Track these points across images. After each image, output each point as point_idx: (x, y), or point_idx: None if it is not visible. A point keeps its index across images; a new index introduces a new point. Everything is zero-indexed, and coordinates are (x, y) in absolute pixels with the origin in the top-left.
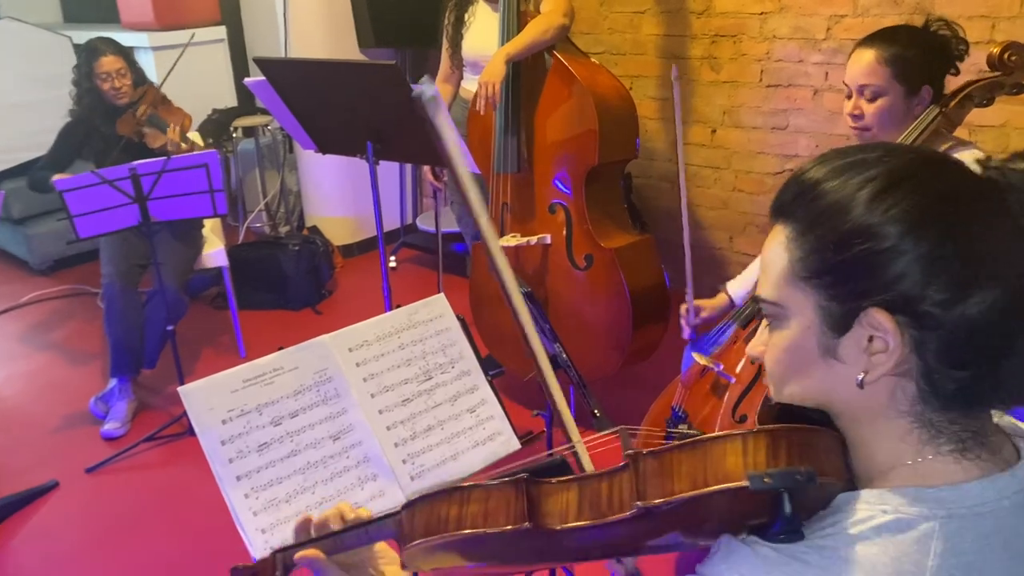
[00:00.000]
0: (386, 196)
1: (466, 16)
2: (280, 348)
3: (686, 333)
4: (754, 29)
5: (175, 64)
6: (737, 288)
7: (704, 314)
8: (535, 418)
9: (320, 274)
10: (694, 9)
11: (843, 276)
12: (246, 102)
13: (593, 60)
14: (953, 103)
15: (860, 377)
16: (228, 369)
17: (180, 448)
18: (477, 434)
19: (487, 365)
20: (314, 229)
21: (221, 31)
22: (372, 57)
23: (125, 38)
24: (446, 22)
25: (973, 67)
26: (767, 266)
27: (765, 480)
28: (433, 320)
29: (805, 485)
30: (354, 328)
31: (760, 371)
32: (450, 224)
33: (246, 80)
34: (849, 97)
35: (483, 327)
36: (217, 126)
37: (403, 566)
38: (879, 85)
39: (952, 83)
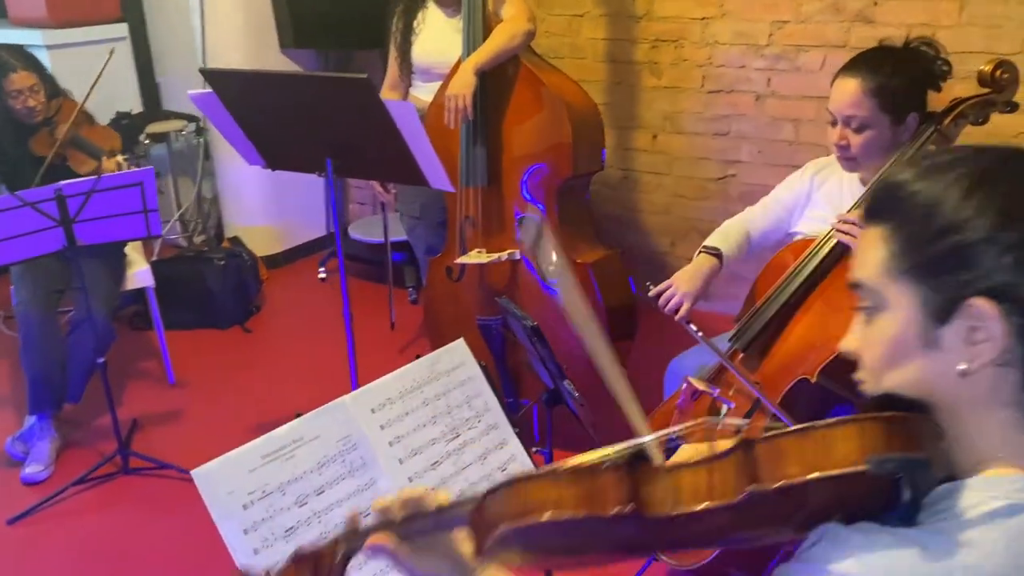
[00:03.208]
0: (311, 203)
1: (415, 23)
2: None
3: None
4: (695, 34)
5: (96, 81)
6: (729, 251)
7: (693, 300)
8: (536, 455)
9: (247, 289)
10: (634, 13)
11: (942, 268)
12: (153, 105)
13: (559, 69)
14: (948, 121)
15: (962, 367)
16: (242, 445)
17: (115, 490)
18: None
19: None
20: (235, 240)
21: (122, 28)
22: (293, 59)
23: (14, 35)
24: (393, 28)
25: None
26: (865, 261)
27: (886, 465)
28: (455, 369)
29: (922, 471)
30: (375, 386)
31: (759, 400)
32: (379, 233)
33: (190, 93)
34: (833, 124)
35: (439, 342)
36: (126, 132)
37: (478, 553)
38: (865, 117)
39: (934, 99)
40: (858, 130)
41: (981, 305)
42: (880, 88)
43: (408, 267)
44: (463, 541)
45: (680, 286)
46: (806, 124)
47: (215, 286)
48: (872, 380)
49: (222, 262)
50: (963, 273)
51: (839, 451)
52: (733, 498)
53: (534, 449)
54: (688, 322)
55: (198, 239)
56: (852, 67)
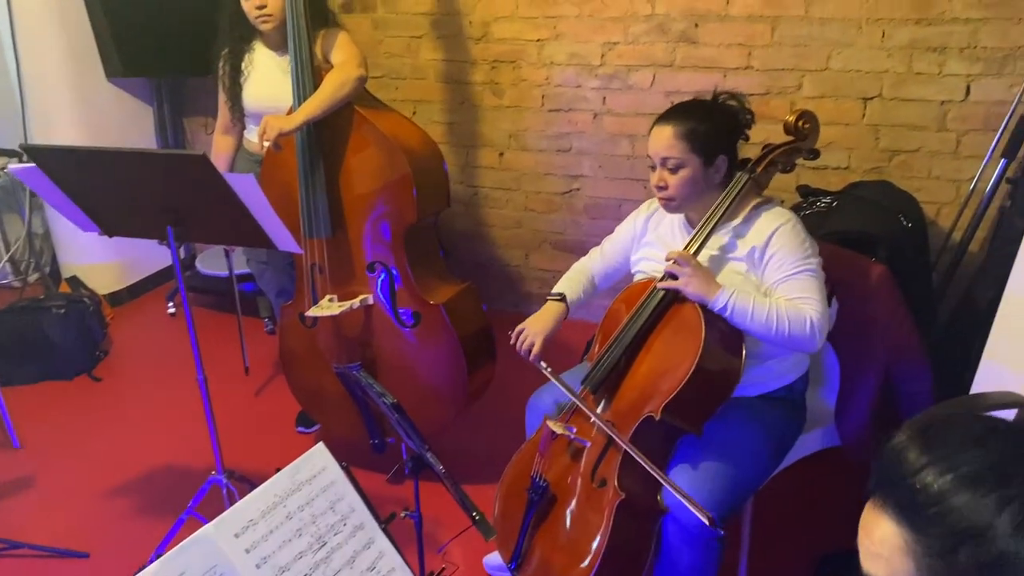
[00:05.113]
0: None
1: (243, 65)
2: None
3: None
4: (532, 55)
5: None
6: (574, 295)
7: (543, 339)
8: (405, 519)
9: (92, 335)
10: (471, 35)
11: None
12: None
13: (395, 110)
14: (760, 168)
15: None
16: None
17: None
18: None
19: (302, 422)
20: (74, 280)
21: None
22: (122, 87)
23: None
24: (220, 72)
25: (742, 84)
26: (883, 555)
27: None
28: (317, 476)
29: None
30: (237, 509)
31: (612, 438)
32: (225, 265)
33: (11, 168)
34: (653, 169)
35: (297, 386)
36: None
37: None
38: (679, 158)
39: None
40: (673, 170)
41: None
42: (690, 131)
43: (261, 297)
44: None
45: (530, 327)
46: (641, 139)
47: (56, 336)
48: None
49: (62, 310)
50: None
51: None
52: None
53: (403, 514)
54: (540, 360)
55: (32, 278)
56: (666, 116)
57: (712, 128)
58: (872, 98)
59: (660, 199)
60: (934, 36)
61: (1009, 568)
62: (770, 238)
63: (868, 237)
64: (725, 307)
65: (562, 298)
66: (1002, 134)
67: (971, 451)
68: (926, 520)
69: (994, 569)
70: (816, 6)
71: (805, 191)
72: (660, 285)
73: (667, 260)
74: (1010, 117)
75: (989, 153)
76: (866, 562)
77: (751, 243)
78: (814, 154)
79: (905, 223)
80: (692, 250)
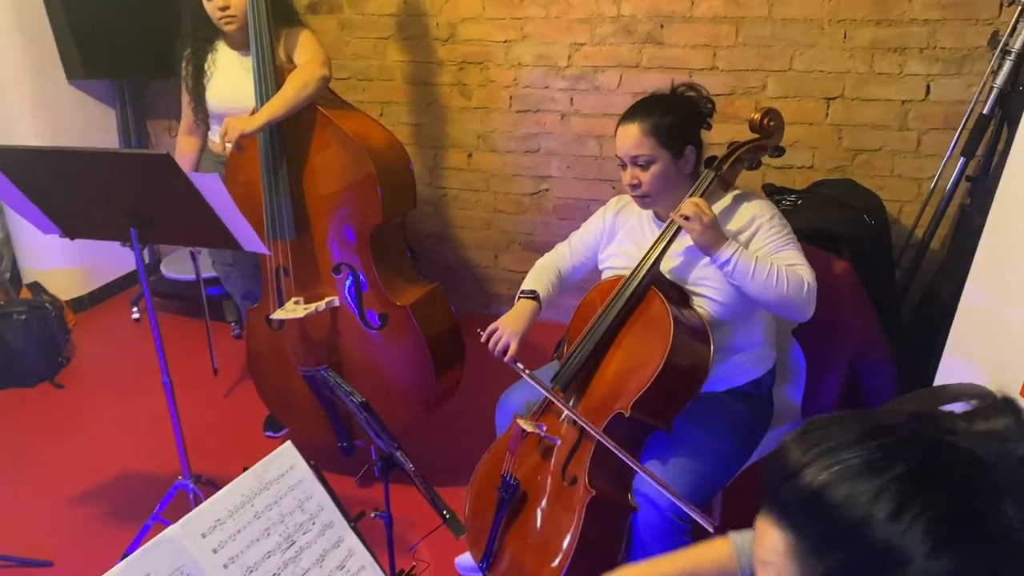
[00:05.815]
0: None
1: (206, 66)
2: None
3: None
4: (499, 57)
5: None
6: (545, 292)
7: (519, 339)
8: (375, 519)
9: (55, 342)
10: (438, 36)
11: None
12: None
13: (359, 110)
14: (726, 166)
15: None
16: None
17: None
18: None
19: (270, 426)
20: (36, 286)
21: None
22: (84, 89)
23: None
24: (184, 73)
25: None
26: (772, 561)
27: None
28: (285, 475)
29: None
30: (204, 508)
31: (584, 432)
32: (190, 269)
33: None
34: (624, 167)
35: (265, 390)
36: None
37: None
38: (648, 154)
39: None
40: (644, 167)
41: None
42: (655, 127)
43: (227, 301)
44: None
45: (505, 328)
46: (608, 140)
47: (17, 343)
48: None
49: (23, 316)
50: None
51: None
52: None
53: (373, 514)
54: (515, 361)
55: None
56: (629, 115)
57: (676, 120)
58: (835, 98)
59: (635, 197)
60: (894, 37)
61: (890, 557)
62: (752, 221)
63: (832, 235)
64: (728, 261)
65: (534, 296)
66: (961, 133)
67: (849, 447)
68: (805, 519)
69: (874, 563)
70: (779, 7)
71: (770, 190)
72: (674, 217)
73: (688, 201)
74: (968, 116)
75: (949, 152)
76: (759, 570)
77: (730, 229)
78: (779, 151)
79: (868, 221)
80: (662, 246)
